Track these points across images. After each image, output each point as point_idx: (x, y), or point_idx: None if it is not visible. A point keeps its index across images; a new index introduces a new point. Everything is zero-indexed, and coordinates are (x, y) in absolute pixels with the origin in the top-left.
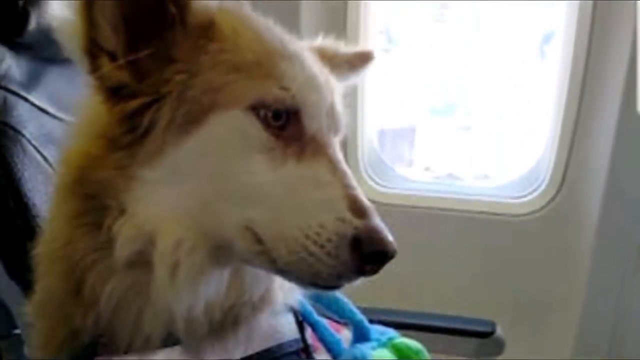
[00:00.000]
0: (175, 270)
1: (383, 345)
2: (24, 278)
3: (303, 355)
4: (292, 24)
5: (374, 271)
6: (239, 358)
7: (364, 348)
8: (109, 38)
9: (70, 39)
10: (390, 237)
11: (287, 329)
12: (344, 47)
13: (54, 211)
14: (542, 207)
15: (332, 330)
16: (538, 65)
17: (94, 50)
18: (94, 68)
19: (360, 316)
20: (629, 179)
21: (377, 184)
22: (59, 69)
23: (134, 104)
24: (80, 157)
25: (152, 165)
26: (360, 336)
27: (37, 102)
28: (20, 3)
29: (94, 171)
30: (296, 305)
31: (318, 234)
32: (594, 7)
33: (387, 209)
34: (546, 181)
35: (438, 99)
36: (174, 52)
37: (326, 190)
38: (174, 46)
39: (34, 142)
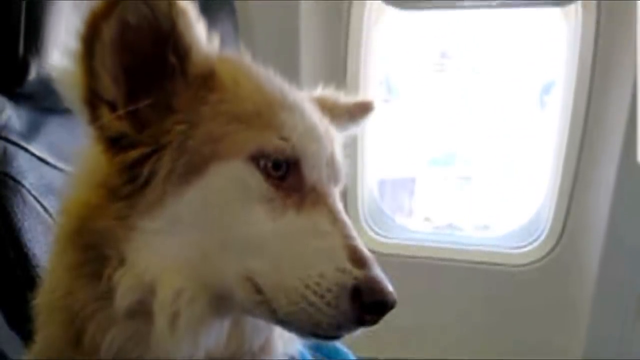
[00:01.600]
0: (175, 320)
1: None
2: (24, 328)
3: None
4: (292, 74)
5: (374, 321)
6: None
7: None
8: (109, 88)
9: (70, 89)
10: (390, 287)
11: None
12: (344, 97)
13: (54, 261)
14: (542, 257)
15: None
16: (538, 115)
17: (94, 100)
18: (94, 118)
19: None
20: (628, 229)
21: (377, 234)
22: (59, 119)
23: (134, 154)
24: (80, 207)
25: (152, 216)
26: None
27: (37, 152)
28: (21, 53)
29: (94, 221)
30: (296, 355)
31: (318, 284)
32: (594, 57)
33: (387, 259)
34: (546, 231)
35: (438, 149)
36: (174, 102)
37: (326, 241)
38: (174, 96)
39: (34, 192)
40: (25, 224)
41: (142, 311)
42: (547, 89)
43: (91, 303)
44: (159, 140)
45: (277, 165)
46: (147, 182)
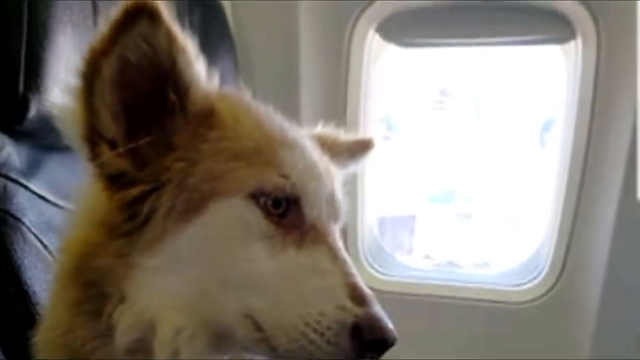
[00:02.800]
0: (175, 357)
1: None
2: None
3: None
4: (292, 111)
5: (374, 359)
6: None
7: None
8: (109, 126)
9: (70, 127)
10: (390, 325)
11: None
12: (344, 135)
13: (54, 299)
14: (542, 295)
15: None
16: (538, 152)
17: (94, 137)
18: (94, 156)
19: None
20: (628, 268)
21: (377, 271)
22: (59, 157)
23: (134, 191)
24: (80, 244)
25: (152, 253)
26: None
27: (37, 189)
28: (21, 90)
29: (94, 259)
30: None
31: (318, 321)
32: (594, 95)
33: (387, 296)
34: (546, 269)
35: (438, 187)
36: (174, 139)
37: (326, 278)
38: (174, 134)
39: (34, 229)
40: (25, 261)
41: (142, 349)
42: (547, 127)
43: (91, 340)
44: (159, 178)
45: (277, 202)
46: (147, 220)
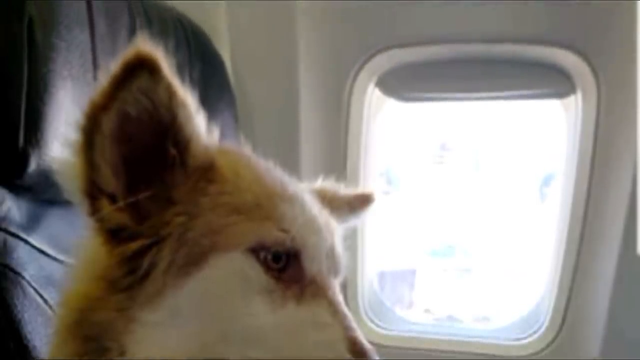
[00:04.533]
0: None
1: None
2: None
3: None
4: (292, 165)
5: None
6: None
7: None
8: (109, 180)
9: (70, 181)
10: None
11: None
12: (344, 189)
13: (54, 353)
14: (543, 349)
15: None
16: (538, 207)
17: (93, 192)
18: (94, 210)
19: None
20: (629, 322)
21: (377, 325)
22: (59, 211)
23: (134, 246)
24: (80, 299)
25: (153, 307)
26: None
27: (37, 244)
28: (21, 145)
29: (94, 313)
30: None
31: None
32: (594, 149)
33: (388, 350)
34: (546, 323)
35: (438, 241)
36: (174, 193)
37: (326, 332)
38: (174, 188)
39: (34, 284)
40: (26, 315)
41: None
42: (547, 181)
43: None
44: (159, 232)
45: (277, 257)
46: (147, 274)
